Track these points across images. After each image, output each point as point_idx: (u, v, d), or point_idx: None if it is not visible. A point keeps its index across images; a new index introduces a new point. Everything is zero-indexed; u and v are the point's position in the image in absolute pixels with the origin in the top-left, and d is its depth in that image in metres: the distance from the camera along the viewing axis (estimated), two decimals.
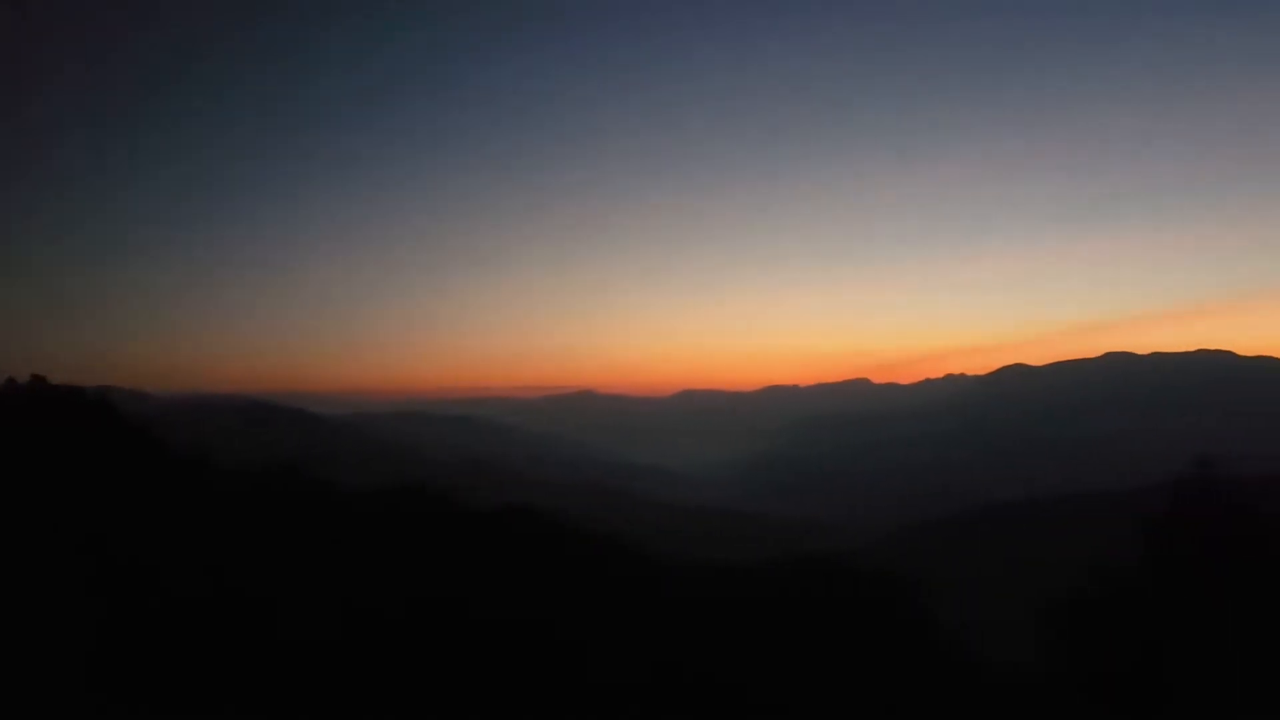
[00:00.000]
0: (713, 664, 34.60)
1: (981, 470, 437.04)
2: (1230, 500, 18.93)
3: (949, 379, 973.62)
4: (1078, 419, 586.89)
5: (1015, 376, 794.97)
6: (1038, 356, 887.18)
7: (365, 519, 54.04)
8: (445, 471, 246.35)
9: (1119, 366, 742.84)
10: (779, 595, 67.88)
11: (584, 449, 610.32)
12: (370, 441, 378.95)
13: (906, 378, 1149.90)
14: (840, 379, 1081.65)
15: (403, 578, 41.95)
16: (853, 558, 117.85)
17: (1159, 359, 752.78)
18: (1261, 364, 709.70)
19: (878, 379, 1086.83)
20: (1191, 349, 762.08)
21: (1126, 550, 25.58)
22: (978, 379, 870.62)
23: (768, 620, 56.11)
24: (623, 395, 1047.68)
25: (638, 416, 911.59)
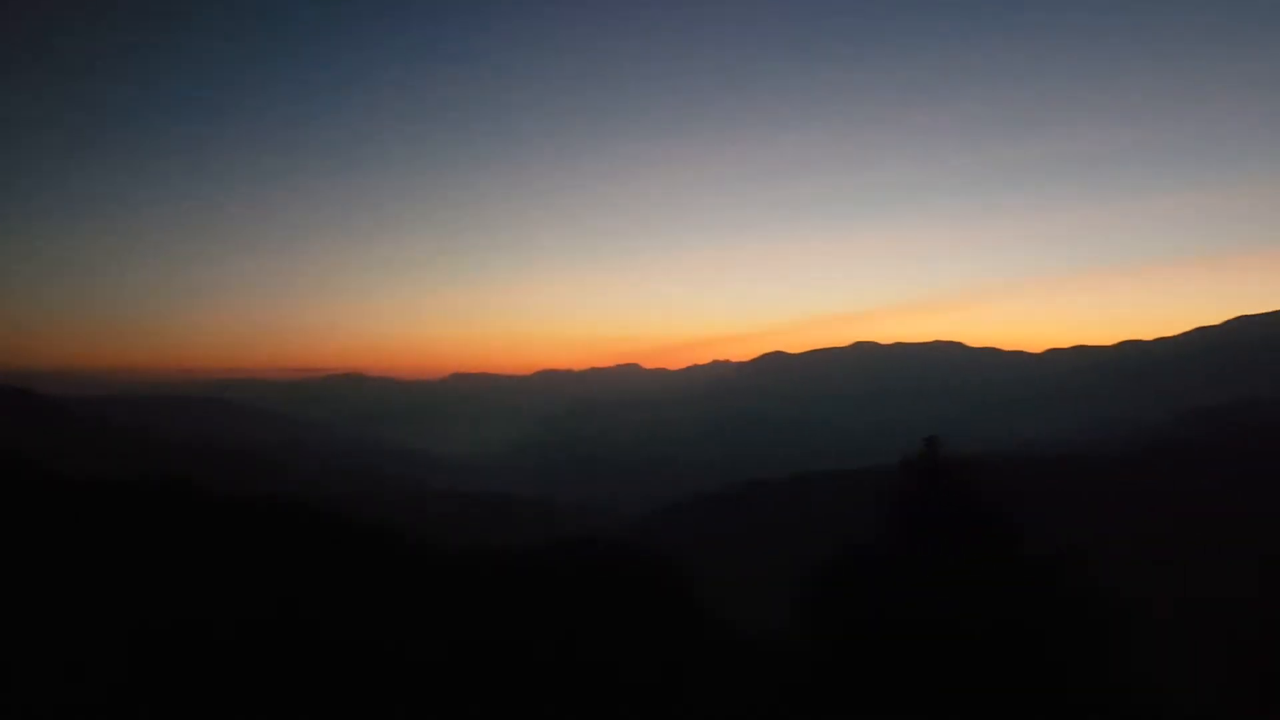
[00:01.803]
0: (482, 646, 34.31)
1: (743, 450, 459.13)
2: (954, 477, 20.83)
3: (714, 364, 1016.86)
4: (829, 403, 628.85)
5: (775, 363, 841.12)
6: (795, 344, 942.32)
7: (95, 513, 49.39)
8: (191, 459, 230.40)
9: (866, 355, 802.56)
10: (547, 576, 68.38)
11: (348, 433, 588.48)
12: (107, 426, 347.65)
13: (675, 363, 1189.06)
14: (612, 364, 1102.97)
15: (137, 577, 38.87)
16: (620, 536, 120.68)
17: (900, 348, 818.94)
18: (988, 354, 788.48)
19: (648, 364, 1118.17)
20: (928, 339, 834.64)
21: (868, 524, 27.65)
22: (740, 365, 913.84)
23: (534, 601, 56.31)
24: (391, 378, 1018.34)
25: (407, 400, 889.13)
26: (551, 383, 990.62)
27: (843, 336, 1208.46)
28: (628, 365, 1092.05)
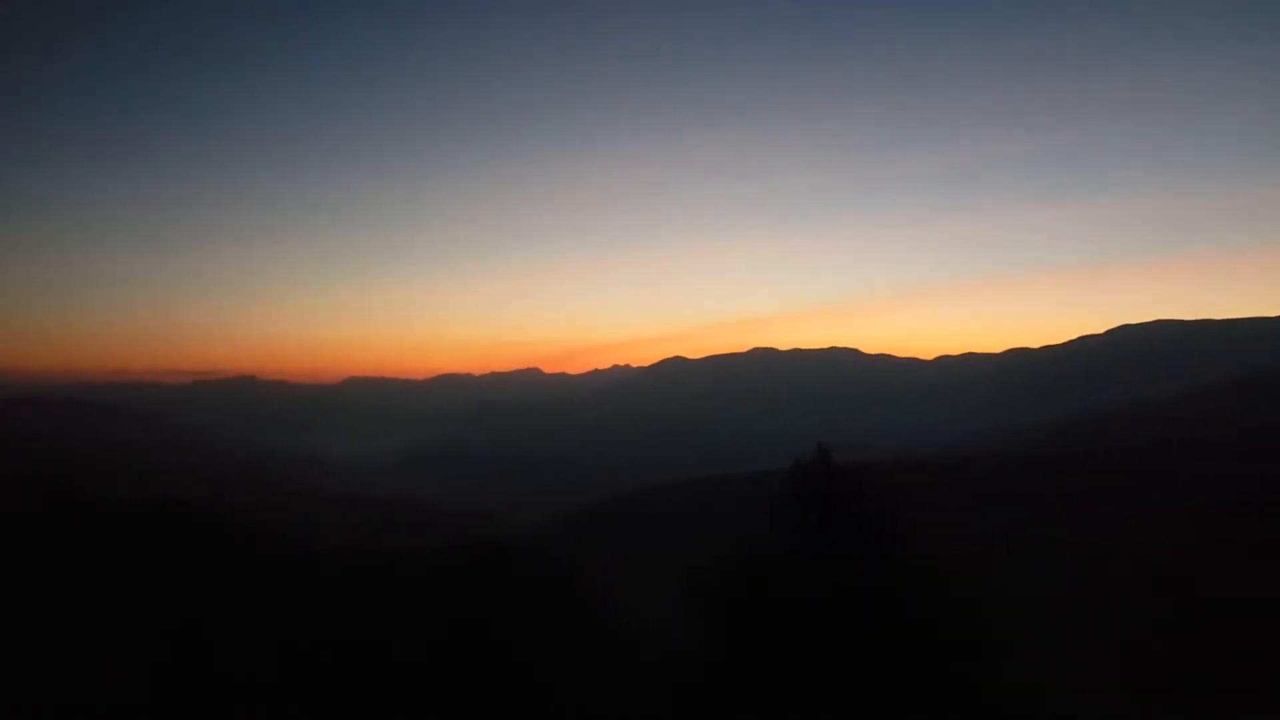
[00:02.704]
0: (359, 647, 33.23)
1: (643, 455, 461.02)
2: (845, 481, 20.94)
3: (615, 369, 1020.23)
4: (729, 407, 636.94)
5: (674, 368, 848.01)
6: (695, 350, 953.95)
7: None
8: (75, 463, 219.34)
9: (764, 360, 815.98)
10: (446, 581, 67.16)
11: (240, 438, 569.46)
12: None
13: (576, 368, 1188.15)
14: (512, 368, 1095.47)
15: (16, 580, 36.62)
16: (519, 541, 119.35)
17: (797, 354, 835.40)
18: (882, 360, 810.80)
19: (549, 369, 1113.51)
20: (825, 346, 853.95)
21: (761, 529, 27.68)
22: (641, 370, 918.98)
23: (435, 606, 55.09)
24: (286, 382, 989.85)
25: (302, 404, 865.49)
26: (451, 387, 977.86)
27: (742, 342, 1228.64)
28: (529, 370, 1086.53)
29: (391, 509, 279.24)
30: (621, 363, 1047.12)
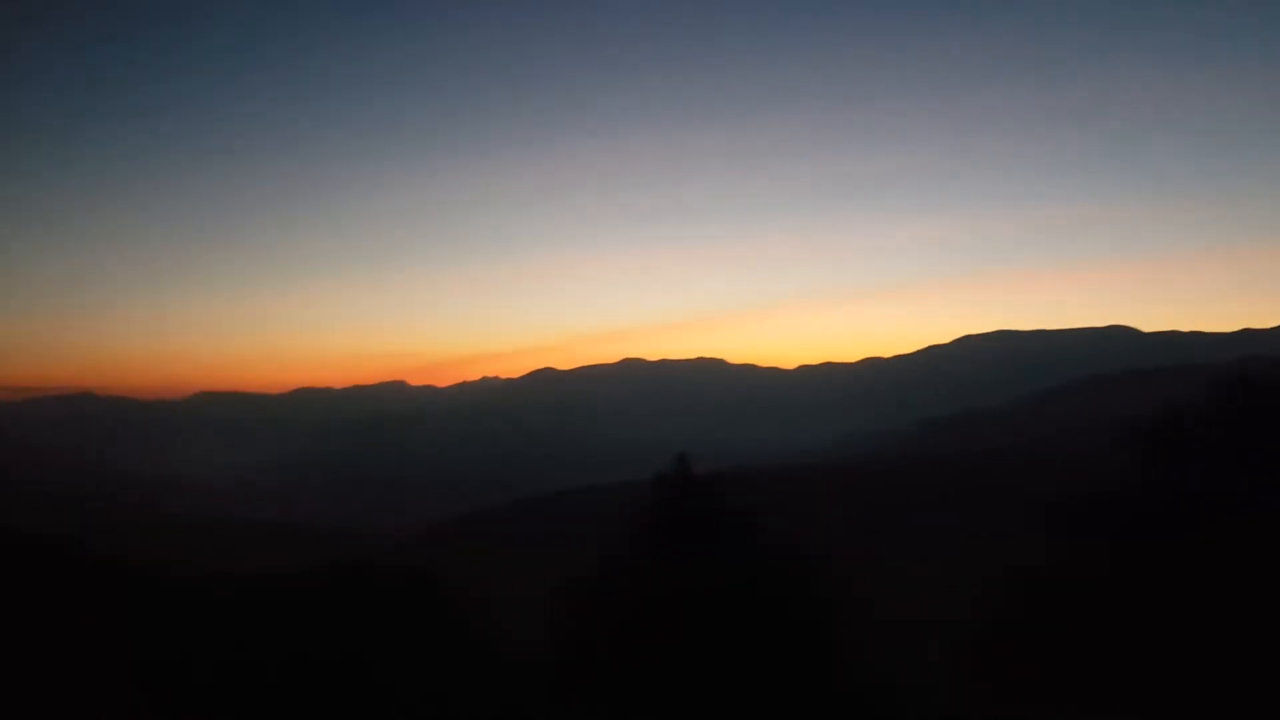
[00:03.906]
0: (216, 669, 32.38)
1: (513, 467, 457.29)
2: (704, 489, 21.99)
3: (484, 381, 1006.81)
4: (598, 418, 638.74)
5: (545, 379, 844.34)
6: (565, 361, 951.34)
7: None
8: None
9: (633, 371, 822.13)
10: (306, 602, 65.20)
11: (77, 457, 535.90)
12: None
13: (443, 380, 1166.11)
14: (376, 381, 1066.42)
15: None
16: (382, 557, 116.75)
17: (665, 365, 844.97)
18: (747, 370, 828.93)
19: (415, 381, 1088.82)
20: (692, 356, 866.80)
21: (627, 538, 28.52)
22: (510, 382, 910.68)
23: (294, 628, 53.59)
24: (129, 397, 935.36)
25: (148, 421, 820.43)
26: (310, 401, 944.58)
27: (611, 353, 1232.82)
28: (393, 383, 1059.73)
29: (249, 529, 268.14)
30: (490, 374, 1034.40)
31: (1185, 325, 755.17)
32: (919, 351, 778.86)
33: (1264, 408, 36.96)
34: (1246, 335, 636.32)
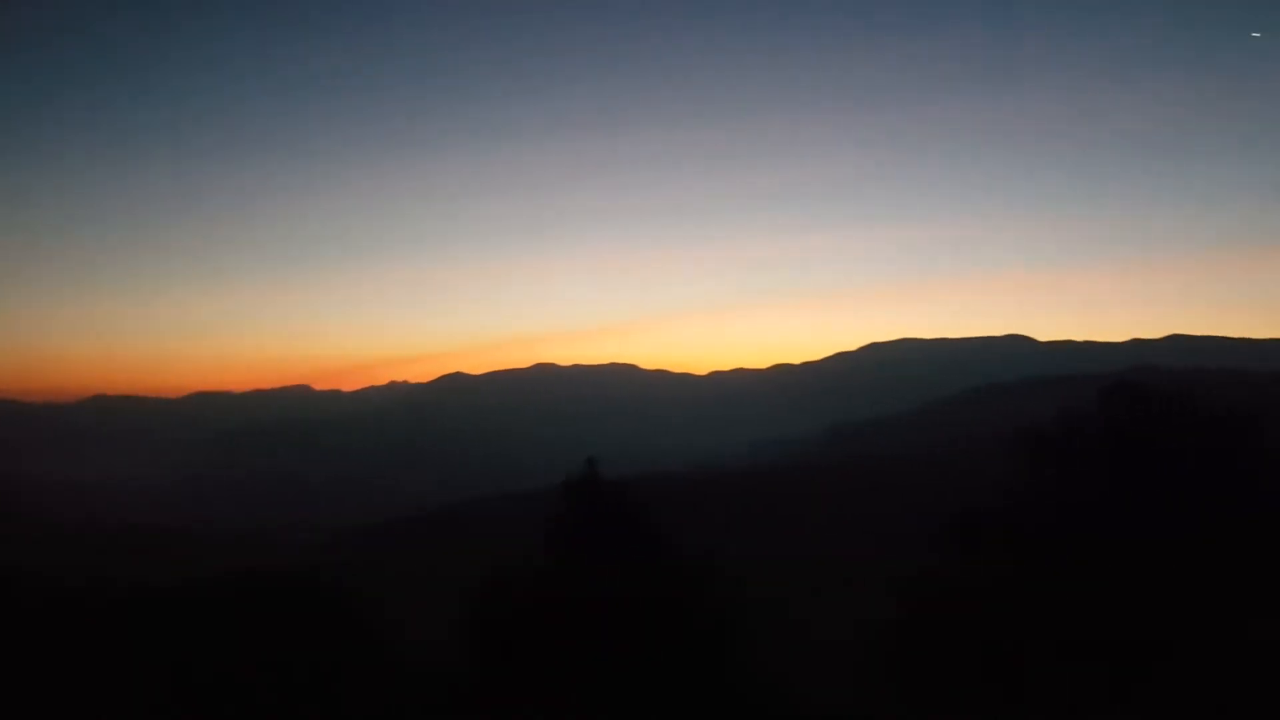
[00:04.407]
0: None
1: (423, 474, 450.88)
2: (611, 495, 22.13)
3: (391, 386, 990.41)
4: (511, 424, 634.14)
5: (455, 385, 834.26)
6: (476, 366, 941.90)
7: None
8: None
9: (545, 376, 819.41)
10: (214, 613, 63.21)
11: None
12: None
13: (349, 385, 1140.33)
14: (278, 385, 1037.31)
15: None
16: (284, 566, 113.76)
17: (578, 370, 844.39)
18: (659, 376, 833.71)
19: (320, 386, 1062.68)
20: (604, 361, 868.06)
21: (537, 544, 28.48)
22: (420, 386, 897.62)
23: (196, 640, 51.91)
24: (14, 400, 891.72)
25: (35, 425, 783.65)
26: (208, 406, 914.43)
27: (524, 358, 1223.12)
28: (297, 387, 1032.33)
29: (148, 537, 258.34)
30: (399, 379, 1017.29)
31: (1080, 335, 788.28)
32: (828, 358, 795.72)
33: (1150, 415, 38.85)
34: (1136, 345, 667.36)
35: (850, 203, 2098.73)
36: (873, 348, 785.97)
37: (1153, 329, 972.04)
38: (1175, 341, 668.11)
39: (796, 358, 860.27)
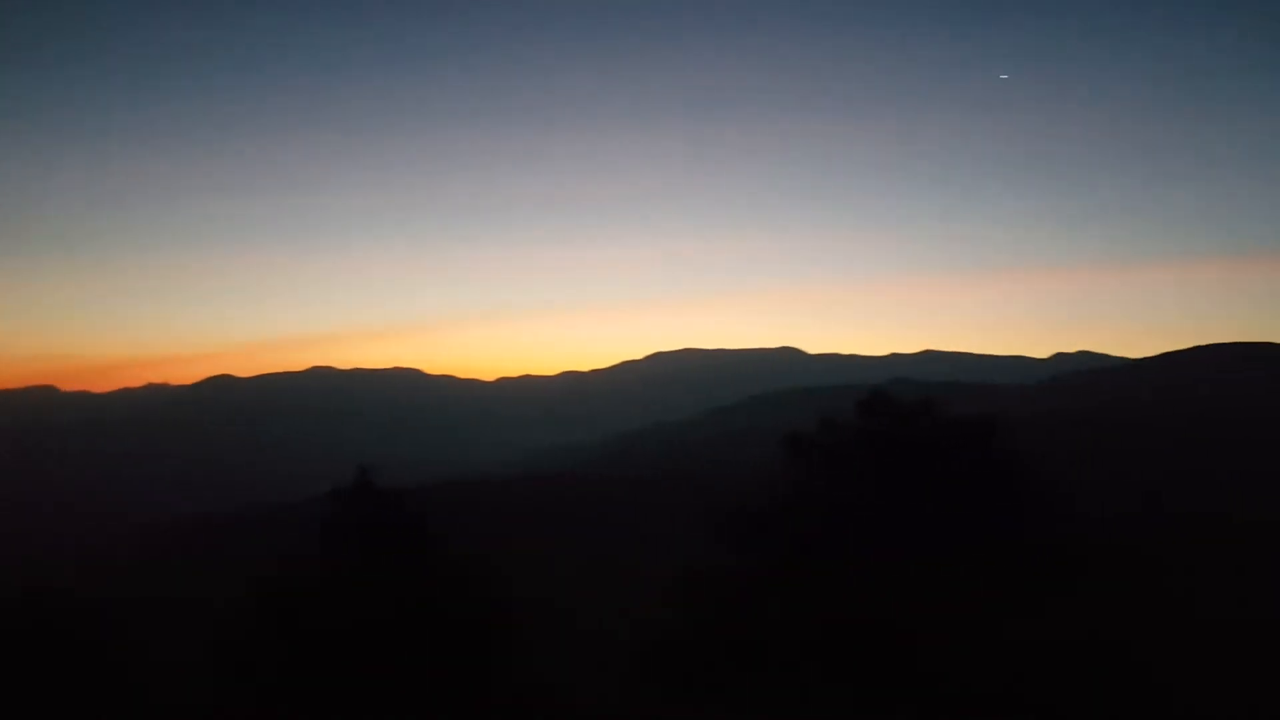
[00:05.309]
0: None
1: (184, 485, 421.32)
2: (385, 502, 21.61)
3: (150, 388, 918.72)
4: (284, 430, 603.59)
5: (222, 387, 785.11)
6: (246, 368, 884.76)
7: None
8: None
9: (323, 380, 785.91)
10: None
11: None
12: None
13: (101, 385, 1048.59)
14: (19, 385, 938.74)
15: None
16: (27, 586, 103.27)
17: (359, 374, 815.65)
18: (445, 381, 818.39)
19: (66, 386, 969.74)
20: (386, 366, 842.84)
21: (310, 553, 27.30)
22: (183, 389, 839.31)
23: None
24: None
25: None
26: None
27: (298, 360, 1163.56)
28: (41, 388, 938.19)
29: None
30: (158, 380, 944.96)
31: (845, 349, 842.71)
32: (614, 366, 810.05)
33: (900, 422, 42.11)
34: (895, 358, 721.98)
35: (638, 216, 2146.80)
36: (657, 357, 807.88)
37: (910, 344, 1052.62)
38: (929, 356, 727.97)
39: (585, 365, 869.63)
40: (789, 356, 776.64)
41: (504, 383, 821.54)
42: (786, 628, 32.50)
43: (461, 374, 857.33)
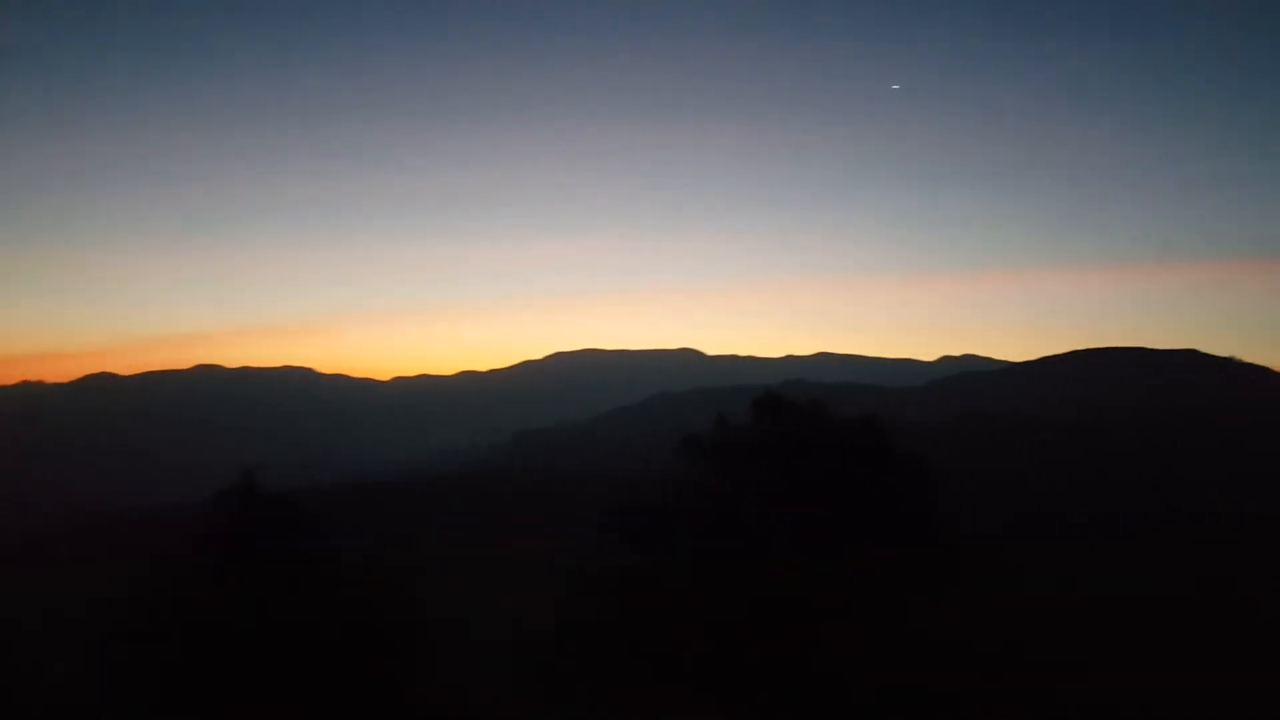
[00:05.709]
0: None
1: (61, 488, 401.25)
2: (271, 505, 21.35)
3: (22, 385, 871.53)
4: (167, 431, 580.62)
5: (101, 386, 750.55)
6: (127, 366, 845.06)
7: None
8: None
9: (209, 379, 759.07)
10: None
11: None
12: None
13: None
14: None
15: None
16: None
17: (247, 372, 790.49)
18: (338, 380, 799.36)
19: None
20: (276, 364, 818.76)
21: (190, 559, 26.62)
22: (59, 387, 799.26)
23: None
24: None
25: None
26: None
27: (183, 359, 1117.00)
28: None
29: None
30: (32, 378, 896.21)
31: (742, 350, 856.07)
32: (514, 366, 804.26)
33: (791, 422, 43.36)
34: (790, 360, 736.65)
35: (536, 214, 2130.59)
36: (558, 357, 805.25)
37: (805, 346, 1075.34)
38: (824, 358, 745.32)
39: (484, 365, 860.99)
40: (689, 357, 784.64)
41: (400, 382, 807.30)
42: (673, 623, 33.12)
43: (356, 373, 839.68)
